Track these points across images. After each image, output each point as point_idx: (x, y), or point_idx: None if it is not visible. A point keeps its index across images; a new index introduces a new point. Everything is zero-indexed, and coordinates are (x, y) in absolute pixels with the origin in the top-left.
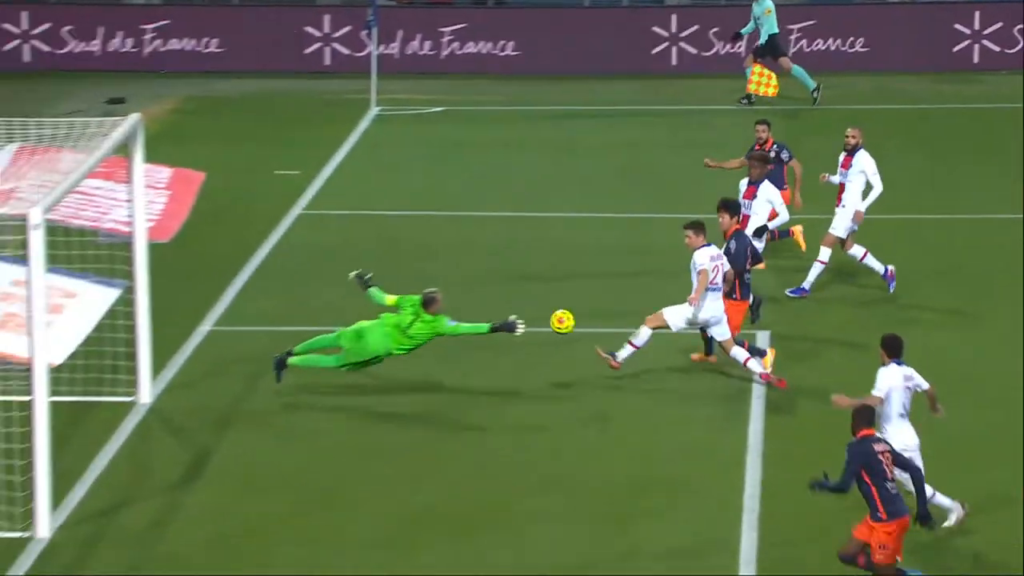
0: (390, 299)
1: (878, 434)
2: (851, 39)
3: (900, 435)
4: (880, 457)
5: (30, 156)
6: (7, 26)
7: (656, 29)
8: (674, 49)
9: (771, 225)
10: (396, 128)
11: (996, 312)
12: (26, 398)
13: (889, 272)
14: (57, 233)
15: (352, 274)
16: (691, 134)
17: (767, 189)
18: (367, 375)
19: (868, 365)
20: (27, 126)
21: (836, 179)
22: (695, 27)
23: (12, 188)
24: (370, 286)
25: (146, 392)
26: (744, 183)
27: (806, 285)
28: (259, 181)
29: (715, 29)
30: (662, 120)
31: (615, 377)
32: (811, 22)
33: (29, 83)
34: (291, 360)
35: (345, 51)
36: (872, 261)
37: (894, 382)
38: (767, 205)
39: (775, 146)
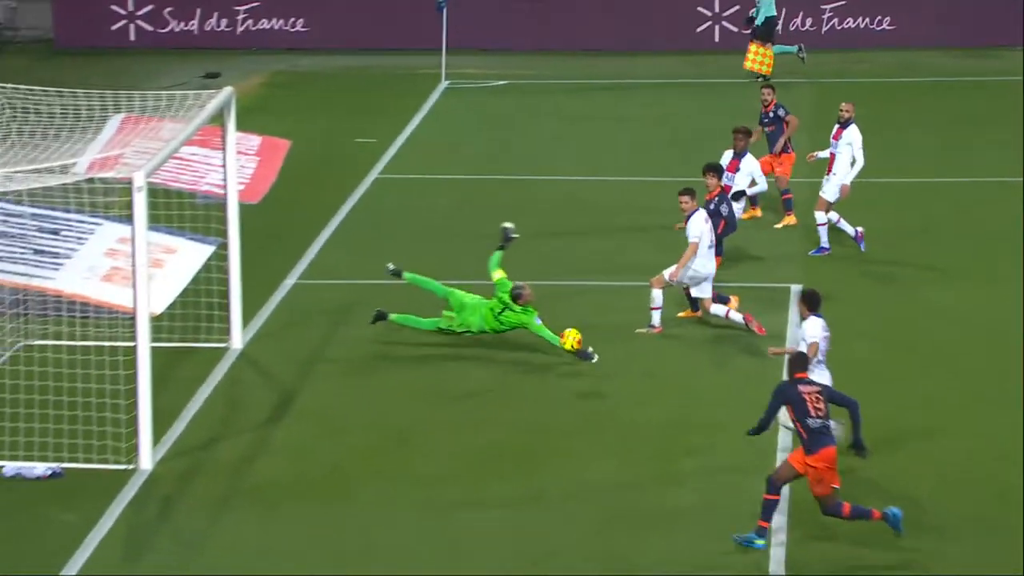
0: (496, 274)
1: (810, 377)
2: (878, 18)
3: (819, 378)
4: (804, 397)
5: (134, 125)
6: (115, 8)
7: (700, 9)
8: (716, 28)
9: (750, 192)
10: (463, 100)
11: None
12: (130, 344)
13: (859, 233)
14: (158, 195)
15: (389, 267)
16: (731, 104)
17: (749, 162)
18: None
19: (887, 311)
20: (132, 98)
21: (824, 154)
22: (736, 7)
23: (118, 154)
24: (400, 274)
25: (237, 339)
26: (728, 155)
27: (825, 244)
28: (339, 148)
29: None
30: (706, 93)
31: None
32: (842, 2)
33: (134, 60)
34: (392, 316)
35: (418, 29)
36: (845, 225)
37: (817, 332)
38: (748, 178)
39: (775, 107)
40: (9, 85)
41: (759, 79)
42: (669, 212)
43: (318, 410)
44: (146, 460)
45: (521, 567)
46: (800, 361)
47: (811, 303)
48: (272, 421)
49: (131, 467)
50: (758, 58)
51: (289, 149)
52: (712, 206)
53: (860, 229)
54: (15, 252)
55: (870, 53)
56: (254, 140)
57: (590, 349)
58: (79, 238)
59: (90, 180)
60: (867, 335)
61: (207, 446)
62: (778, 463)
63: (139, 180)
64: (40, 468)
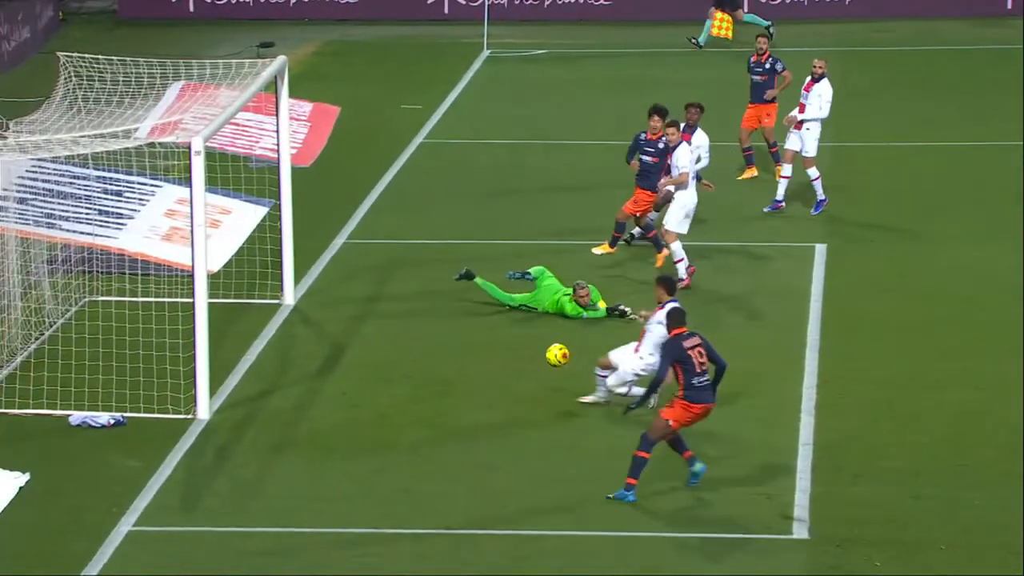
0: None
1: (688, 331)
2: None
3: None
4: (690, 353)
5: (193, 93)
6: None
7: None
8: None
9: (693, 168)
10: (505, 69)
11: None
12: (188, 300)
13: (777, 205)
14: (215, 158)
15: (459, 274)
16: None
17: (699, 137)
18: (466, 288)
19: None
20: (190, 67)
21: (795, 115)
22: None
23: (177, 120)
24: (472, 276)
25: (290, 295)
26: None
27: (822, 197)
28: (386, 114)
29: None
30: (740, 60)
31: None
32: None
33: (192, 30)
34: (478, 279)
35: (461, 1)
36: (784, 186)
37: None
38: (695, 152)
39: (770, 59)
40: (75, 54)
41: (694, 41)
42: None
43: (366, 362)
44: (203, 410)
45: (558, 514)
46: (676, 317)
47: (669, 288)
48: (323, 373)
49: (189, 416)
50: (723, 24)
51: (339, 115)
52: (661, 144)
53: (781, 203)
54: (81, 212)
55: (892, 23)
56: (306, 106)
57: (621, 305)
58: (141, 199)
59: (151, 144)
60: (892, 290)
61: (261, 397)
62: (802, 419)
63: (197, 144)
64: (104, 417)
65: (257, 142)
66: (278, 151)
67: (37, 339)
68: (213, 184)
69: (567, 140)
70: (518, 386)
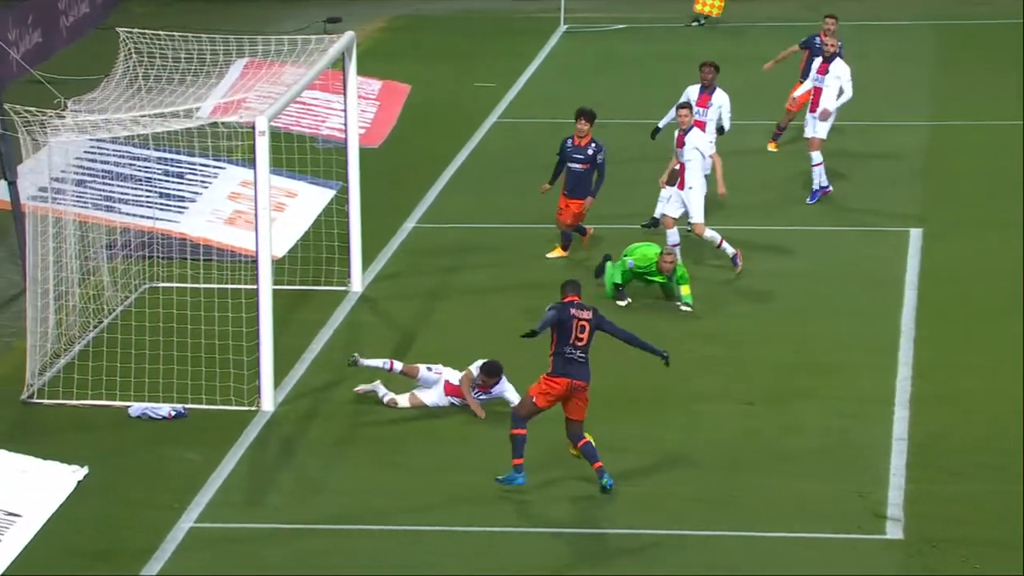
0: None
1: (580, 302)
2: None
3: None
4: (572, 323)
5: (257, 70)
6: None
7: None
8: None
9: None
10: (582, 44)
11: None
12: (252, 287)
13: (825, 191)
14: (280, 139)
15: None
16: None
17: (719, 96)
18: (544, 274)
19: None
20: (255, 44)
21: (803, 89)
22: None
23: (241, 99)
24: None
25: (357, 281)
26: (695, 89)
27: (824, 183)
28: (459, 92)
29: None
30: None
31: (768, 272)
32: None
33: (257, 5)
34: (607, 263)
35: None
36: (819, 172)
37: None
38: (718, 111)
39: (839, 43)
40: (136, 30)
41: (702, 23)
42: (783, 156)
43: (437, 352)
44: (267, 402)
45: (634, 510)
46: (569, 287)
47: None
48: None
49: (253, 408)
50: (709, 1)
51: (409, 93)
52: (590, 150)
53: (829, 188)
54: (141, 195)
55: None
56: (375, 84)
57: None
58: (203, 182)
59: (214, 124)
60: (991, 276)
61: (328, 388)
62: (896, 413)
63: (261, 124)
64: (165, 408)
65: (324, 122)
66: (346, 131)
67: (95, 327)
68: (278, 166)
69: (646, 119)
70: (597, 377)
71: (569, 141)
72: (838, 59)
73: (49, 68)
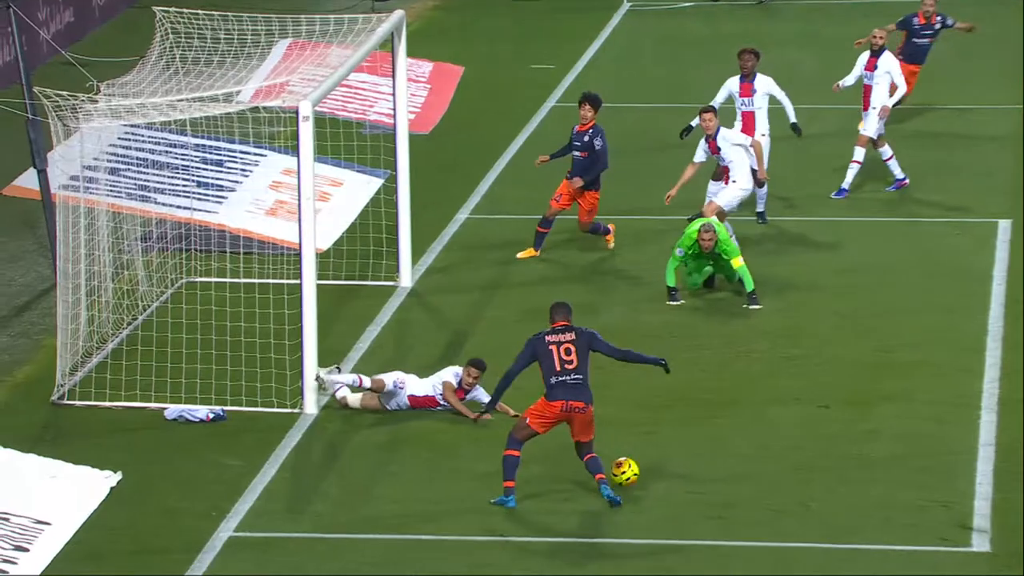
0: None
1: (564, 325)
2: None
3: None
4: (550, 348)
5: (301, 51)
6: None
7: None
8: None
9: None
10: (646, 23)
11: None
12: (295, 281)
13: (901, 183)
14: (325, 125)
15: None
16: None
17: (762, 82)
18: (604, 266)
19: None
20: (298, 23)
21: (849, 81)
22: None
23: (284, 82)
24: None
25: (406, 276)
26: (735, 80)
27: (846, 186)
28: (515, 74)
29: None
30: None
31: (846, 266)
32: None
33: None
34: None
35: None
36: (894, 165)
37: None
38: (765, 98)
39: (939, 17)
40: (172, 9)
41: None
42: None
43: (490, 351)
44: (311, 404)
45: (702, 519)
46: (560, 309)
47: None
48: (442, 363)
49: (296, 411)
50: None
51: (462, 76)
52: (587, 137)
53: (906, 180)
54: (178, 184)
55: None
56: (425, 66)
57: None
58: (243, 170)
59: (255, 109)
60: None
61: None
62: (983, 416)
63: (305, 109)
64: (202, 410)
65: (371, 106)
66: (394, 116)
67: (129, 324)
68: (323, 153)
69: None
70: (658, 379)
71: (576, 128)
72: (886, 53)
73: (81, 49)
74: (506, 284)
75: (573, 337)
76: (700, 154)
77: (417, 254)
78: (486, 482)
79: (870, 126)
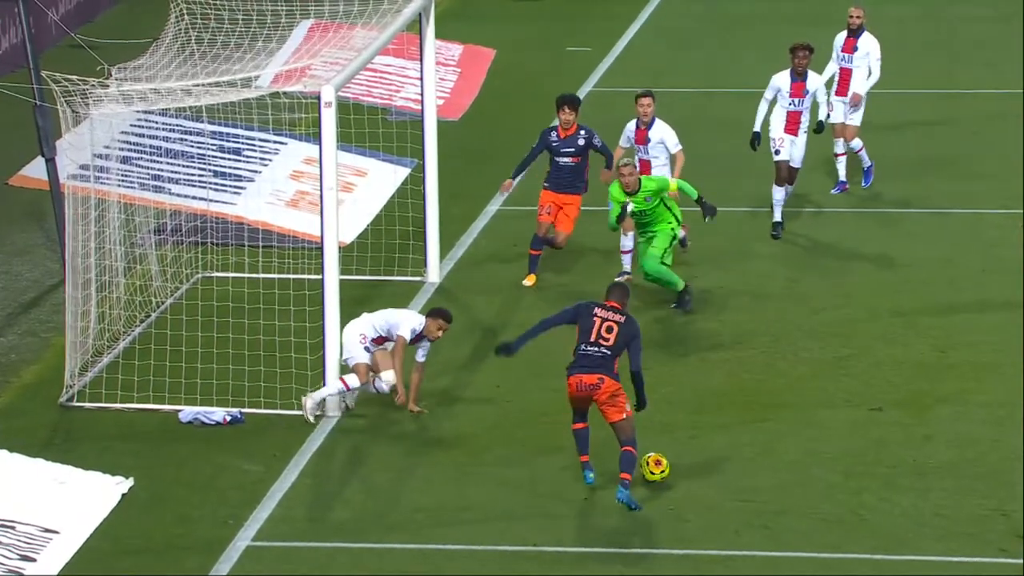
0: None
1: (617, 307)
2: None
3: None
4: (594, 319)
5: (323, 33)
6: None
7: None
8: None
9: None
10: (689, 3)
11: None
12: (317, 277)
13: (843, 187)
14: (349, 111)
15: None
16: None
17: (814, 81)
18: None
19: None
20: (322, 3)
21: (831, 69)
22: None
23: (305, 66)
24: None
25: (434, 272)
26: (785, 78)
27: (868, 162)
28: (549, 58)
29: None
30: None
31: (901, 260)
32: None
33: None
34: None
35: None
36: (842, 165)
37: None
38: (811, 98)
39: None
40: None
41: None
42: (922, 127)
43: (522, 352)
44: (333, 405)
45: (748, 528)
46: (617, 290)
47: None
48: (472, 363)
49: (317, 412)
50: None
51: (494, 59)
52: (581, 141)
53: (871, 164)
54: (193, 174)
55: None
56: (455, 49)
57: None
58: (262, 159)
59: (275, 95)
60: None
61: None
62: None
63: (328, 94)
64: (219, 413)
65: (398, 91)
66: (422, 102)
67: (142, 322)
68: (346, 141)
69: (756, 88)
70: (705, 380)
71: (553, 134)
72: (866, 33)
73: (92, 31)
74: (539, 280)
75: (621, 320)
76: (625, 139)
77: (445, 248)
78: (517, 488)
79: (856, 117)
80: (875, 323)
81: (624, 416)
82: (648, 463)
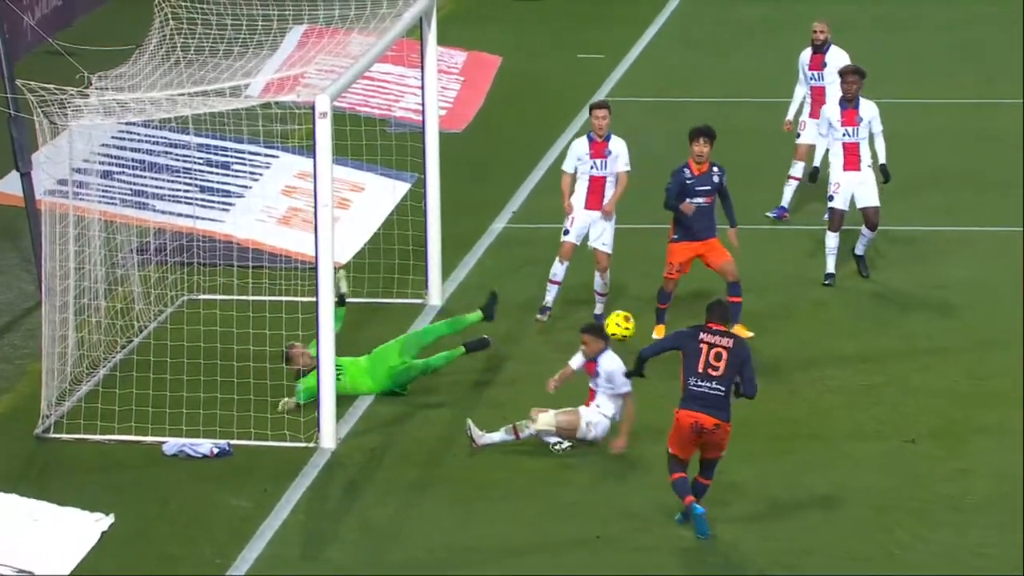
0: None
1: (722, 330)
2: None
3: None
4: (701, 347)
5: (318, 39)
6: None
7: None
8: None
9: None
10: (707, 7)
11: None
12: (310, 299)
13: (782, 213)
14: (344, 122)
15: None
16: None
17: (867, 109)
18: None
19: None
20: (316, 7)
21: (800, 93)
22: None
23: (299, 74)
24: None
25: (436, 293)
26: (835, 108)
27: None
28: (559, 66)
29: None
30: None
31: (937, 282)
32: None
33: None
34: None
35: None
36: (790, 191)
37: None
38: (867, 128)
39: None
40: None
41: None
42: (957, 139)
43: (529, 377)
44: (328, 438)
45: (774, 567)
46: (718, 309)
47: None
48: (477, 390)
49: (311, 445)
50: None
51: (499, 67)
52: (716, 178)
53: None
54: (179, 190)
55: None
56: (458, 56)
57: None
58: (252, 173)
59: (266, 105)
60: None
61: (399, 421)
62: None
63: (323, 104)
64: (206, 445)
65: (397, 101)
66: (423, 112)
67: (124, 347)
68: (342, 154)
69: (779, 98)
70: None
71: (686, 170)
72: (833, 47)
73: (70, 37)
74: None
75: (730, 345)
76: (571, 163)
77: (448, 269)
78: (523, 524)
79: (811, 134)
80: (907, 349)
81: (720, 455)
82: (619, 319)
